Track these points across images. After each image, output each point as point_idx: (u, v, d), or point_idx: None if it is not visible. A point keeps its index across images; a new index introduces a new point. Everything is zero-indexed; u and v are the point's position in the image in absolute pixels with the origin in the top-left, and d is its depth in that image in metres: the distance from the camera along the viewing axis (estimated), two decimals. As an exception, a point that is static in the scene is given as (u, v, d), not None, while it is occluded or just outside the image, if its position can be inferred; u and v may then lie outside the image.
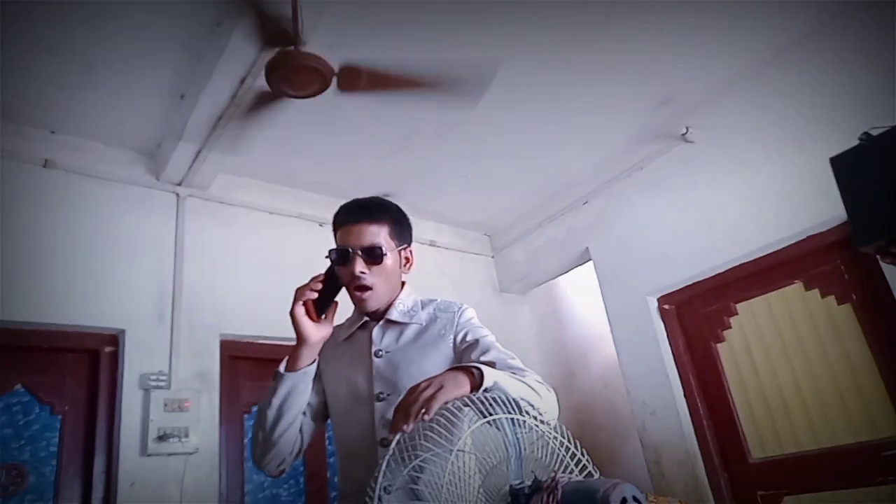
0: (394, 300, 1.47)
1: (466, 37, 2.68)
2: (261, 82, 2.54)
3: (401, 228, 1.48)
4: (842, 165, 0.96)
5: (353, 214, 1.43)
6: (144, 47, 2.55)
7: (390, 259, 1.42)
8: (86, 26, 2.40)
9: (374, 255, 1.39)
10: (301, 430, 1.43)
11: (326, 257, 1.40)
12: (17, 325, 2.67)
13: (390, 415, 1.30)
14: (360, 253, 1.38)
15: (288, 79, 2.37)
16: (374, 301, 1.42)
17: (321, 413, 1.50)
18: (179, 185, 3.27)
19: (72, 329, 2.81)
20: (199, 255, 3.22)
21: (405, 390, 1.29)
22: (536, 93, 3.14)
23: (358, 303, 1.42)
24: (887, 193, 0.89)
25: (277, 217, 3.60)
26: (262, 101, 2.72)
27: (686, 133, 3.42)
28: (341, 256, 1.39)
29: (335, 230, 1.46)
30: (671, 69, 3.10)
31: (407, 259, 1.50)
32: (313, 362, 1.38)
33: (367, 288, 1.39)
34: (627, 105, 3.35)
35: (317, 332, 1.35)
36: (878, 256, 0.94)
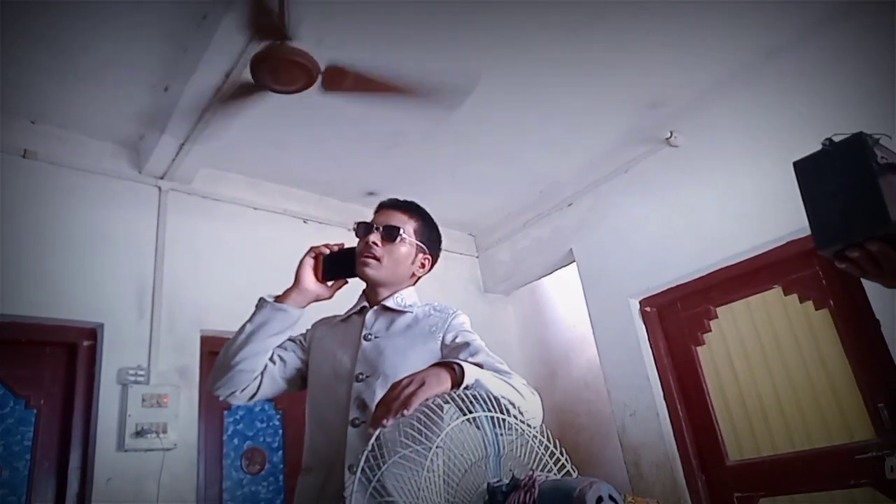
0: (395, 292, 1.51)
1: (454, 37, 2.69)
2: (246, 76, 2.52)
3: (428, 234, 1.56)
4: (804, 169, 0.99)
5: (391, 203, 1.56)
6: (129, 38, 2.52)
7: (405, 247, 1.50)
8: (70, 15, 2.37)
9: (390, 234, 1.47)
10: (262, 375, 1.45)
11: (352, 229, 1.51)
12: (-7, 318, 2.63)
13: (365, 395, 1.34)
14: (379, 228, 1.48)
15: (274, 73, 2.35)
16: (374, 271, 1.47)
17: (293, 379, 1.52)
18: (162, 178, 3.24)
19: (50, 322, 2.77)
20: (180, 249, 3.19)
21: (384, 375, 1.34)
22: (524, 94, 3.15)
23: (360, 267, 1.47)
24: (844, 199, 0.92)
25: (261, 213, 3.58)
26: (248, 96, 2.70)
27: (670, 137, 3.45)
28: (364, 228, 1.49)
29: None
30: (657, 73, 3.12)
31: (423, 264, 1.56)
32: (299, 310, 1.44)
33: (374, 257, 1.46)
34: (613, 108, 3.37)
35: (314, 285, 1.45)
36: (835, 261, 0.96)
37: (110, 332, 2.86)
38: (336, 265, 1.46)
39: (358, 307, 1.53)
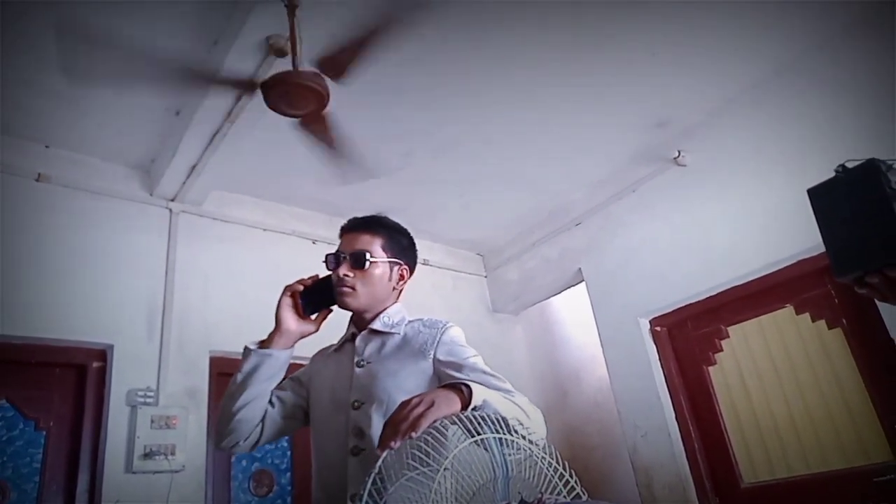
0: (380, 312, 1.49)
1: (463, 58, 2.72)
2: (256, 100, 2.55)
3: (397, 244, 1.53)
4: (818, 197, 1.00)
5: (353, 224, 1.52)
6: (141, 63, 2.55)
7: (378, 268, 1.47)
8: (81, 41, 2.40)
9: (358, 261, 1.44)
10: (263, 420, 1.45)
11: (323, 262, 1.48)
12: (3, 339, 2.64)
13: (362, 423, 1.33)
14: (347, 258, 1.45)
15: (284, 97, 2.37)
16: (352, 300, 1.45)
17: (295, 415, 1.51)
18: (173, 200, 3.27)
19: (60, 343, 2.78)
20: (190, 270, 3.21)
21: (379, 400, 1.33)
22: (531, 114, 3.16)
23: (339, 297, 1.45)
24: (861, 226, 0.93)
25: (271, 234, 3.60)
26: (258, 119, 2.73)
27: (679, 156, 3.45)
28: (333, 259, 1.46)
29: (339, 240, 1.53)
30: (664, 92, 3.13)
31: (401, 276, 1.53)
32: (286, 350, 1.42)
33: (349, 287, 1.44)
34: (621, 127, 3.39)
35: (295, 324, 1.42)
36: (855, 287, 0.97)
37: (120, 354, 2.86)
38: (315, 297, 1.43)
39: (348, 334, 1.53)
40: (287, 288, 1.43)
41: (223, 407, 1.42)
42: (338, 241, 1.53)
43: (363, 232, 1.50)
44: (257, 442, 1.46)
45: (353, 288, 1.44)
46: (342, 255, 1.46)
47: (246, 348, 1.42)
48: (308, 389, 1.52)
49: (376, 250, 1.47)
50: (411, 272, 1.57)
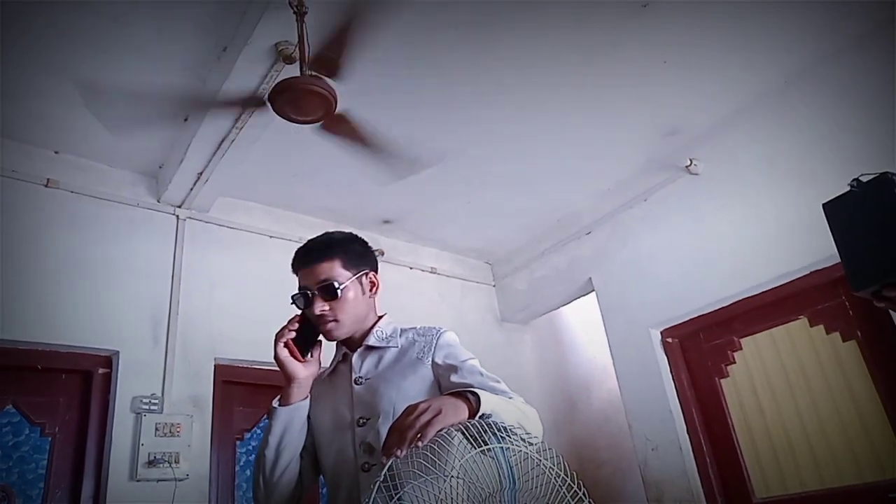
0: (371, 328, 1.47)
1: (472, 62, 2.70)
2: (264, 107, 2.55)
3: (354, 257, 1.47)
4: (834, 211, 1.01)
5: (304, 257, 1.46)
6: (150, 70, 2.57)
7: (350, 290, 1.43)
8: (92, 47, 2.42)
9: (329, 291, 1.40)
10: (301, 474, 1.41)
11: (292, 304, 1.43)
12: (10, 344, 2.64)
13: (370, 438, 1.30)
14: (316, 292, 1.40)
15: (292, 103, 2.37)
16: (340, 331, 1.43)
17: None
18: (180, 206, 3.27)
19: (66, 349, 2.78)
20: (197, 277, 3.20)
21: (384, 413, 1.30)
22: (541, 121, 3.15)
23: (326, 335, 1.43)
24: (877, 239, 0.93)
25: (277, 241, 3.57)
26: (266, 126, 2.73)
27: (690, 164, 3.41)
28: (303, 300, 1.41)
29: (296, 275, 1.48)
30: (675, 100, 3.11)
31: (372, 283, 1.50)
32: (306, 398, 1.40)
33: (332, 320, 1.40)
34: (632, 136, 3.36)
35: (303, 370, 1.39)
36: (873, 301, 0.97)
37: (125, 360, 2.85)
38: (305, 337, 1.40)
39: (339, 355, 1.50)
40: (279, 338, 1.38)
41: (264, 478, 1.37)
42: None
43: (319, 261, 1.42)
44: (301, 496, 1.42)
45: (336, 320, 1.40)
46: (310, 292, 1.40)
47: (271, 409, 1.38)
48: (311, 419, 1.48)
49: (340, 274, 1.42)
50: (376, 271, 1.52)
